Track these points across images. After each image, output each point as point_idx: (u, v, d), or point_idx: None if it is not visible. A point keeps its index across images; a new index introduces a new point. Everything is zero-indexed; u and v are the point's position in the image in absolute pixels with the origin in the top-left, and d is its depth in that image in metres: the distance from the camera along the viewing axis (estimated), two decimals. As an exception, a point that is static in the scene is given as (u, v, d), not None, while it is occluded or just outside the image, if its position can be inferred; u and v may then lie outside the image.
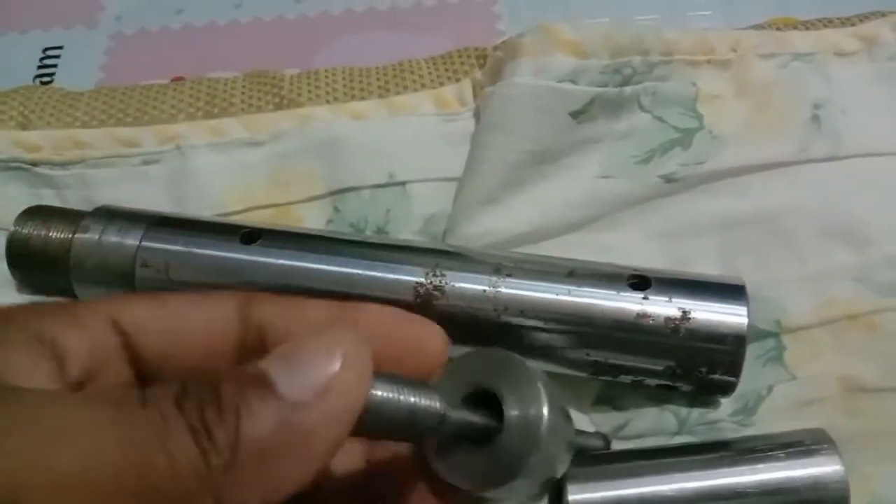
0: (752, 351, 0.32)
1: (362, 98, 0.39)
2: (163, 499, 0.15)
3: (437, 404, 0.19)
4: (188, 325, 0.21)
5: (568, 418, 0.24)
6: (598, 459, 0.30)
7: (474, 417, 0.21)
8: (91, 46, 0.49)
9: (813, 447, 0.28)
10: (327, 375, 0.16)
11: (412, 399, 0.19)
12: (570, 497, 0.27)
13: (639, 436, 0.31)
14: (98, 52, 0.48)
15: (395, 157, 0.37)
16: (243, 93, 0.40)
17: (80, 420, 0.15)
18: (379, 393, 0.18)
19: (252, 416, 0.15)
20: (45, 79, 0.47)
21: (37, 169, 0.37)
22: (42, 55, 0.48)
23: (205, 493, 0.15)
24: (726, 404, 0.31)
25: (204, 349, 0.21)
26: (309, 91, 0.40)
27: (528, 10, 0.48)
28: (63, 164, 0.37)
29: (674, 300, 0.29)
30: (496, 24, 0.48)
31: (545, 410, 0.20)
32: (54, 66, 0.47)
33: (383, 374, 0.18)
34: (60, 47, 0.49)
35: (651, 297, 0.29)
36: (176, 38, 0.49)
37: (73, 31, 0.50)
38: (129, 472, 0.14)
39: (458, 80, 0.40)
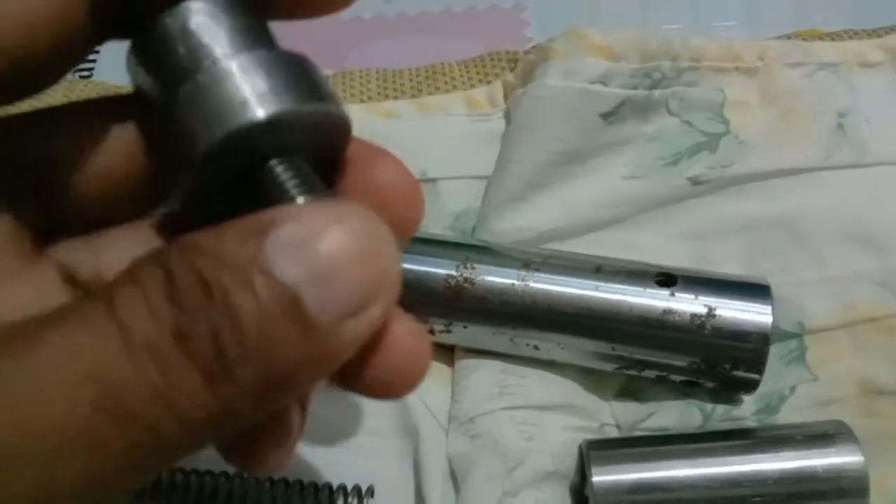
0: (775, 351, 0.32)
1: (395, 98, 0.40)
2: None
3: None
4: None
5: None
6: (621, 443, 0.30)
7: None
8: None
9: (832, 436, 0.29)
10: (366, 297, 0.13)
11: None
12: (594, 478, 0.28)
13: (663, 429, 0.32)
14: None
15: (428, 155, 0.37)
16: (279, 90, 0.41)
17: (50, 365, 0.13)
18: None
19: (280, 347, 0.12)
20: (84, 73, 0.48)
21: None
22: (81, 51, 0.49)
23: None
24: (750, 403, 0.32)
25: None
26: (343, 90, 0.41)
27: (556, 18, 0.49)
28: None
29: (700, 298, 0.30)
30: (524, 30, 0.49)
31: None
32: (93, 60, 0.49)
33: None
34: (99, 43, 0.50)
35: (677, 294, 0.30)
36: (211, 37, 0.50)
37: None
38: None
39: (488, 83, 0.40)
